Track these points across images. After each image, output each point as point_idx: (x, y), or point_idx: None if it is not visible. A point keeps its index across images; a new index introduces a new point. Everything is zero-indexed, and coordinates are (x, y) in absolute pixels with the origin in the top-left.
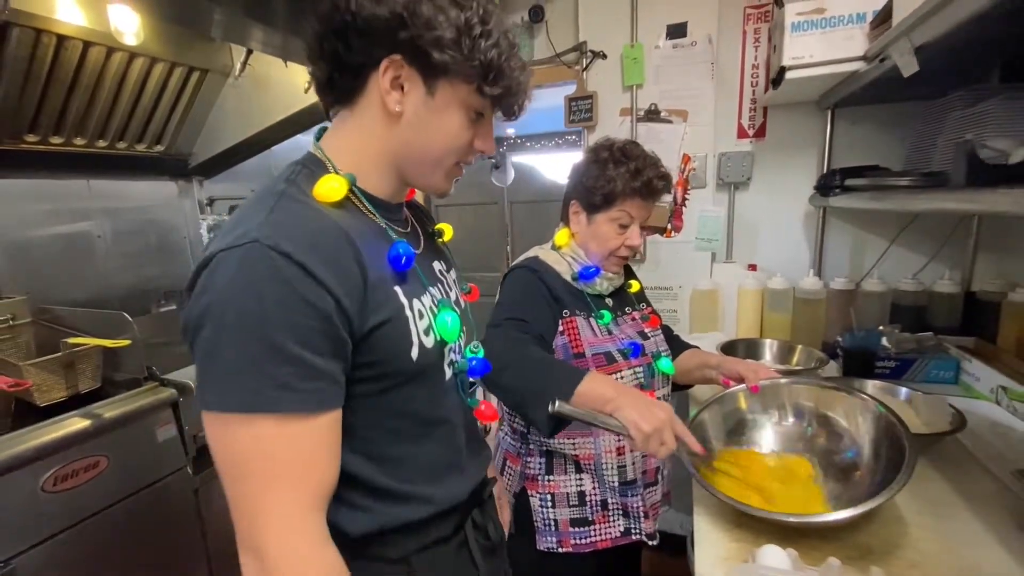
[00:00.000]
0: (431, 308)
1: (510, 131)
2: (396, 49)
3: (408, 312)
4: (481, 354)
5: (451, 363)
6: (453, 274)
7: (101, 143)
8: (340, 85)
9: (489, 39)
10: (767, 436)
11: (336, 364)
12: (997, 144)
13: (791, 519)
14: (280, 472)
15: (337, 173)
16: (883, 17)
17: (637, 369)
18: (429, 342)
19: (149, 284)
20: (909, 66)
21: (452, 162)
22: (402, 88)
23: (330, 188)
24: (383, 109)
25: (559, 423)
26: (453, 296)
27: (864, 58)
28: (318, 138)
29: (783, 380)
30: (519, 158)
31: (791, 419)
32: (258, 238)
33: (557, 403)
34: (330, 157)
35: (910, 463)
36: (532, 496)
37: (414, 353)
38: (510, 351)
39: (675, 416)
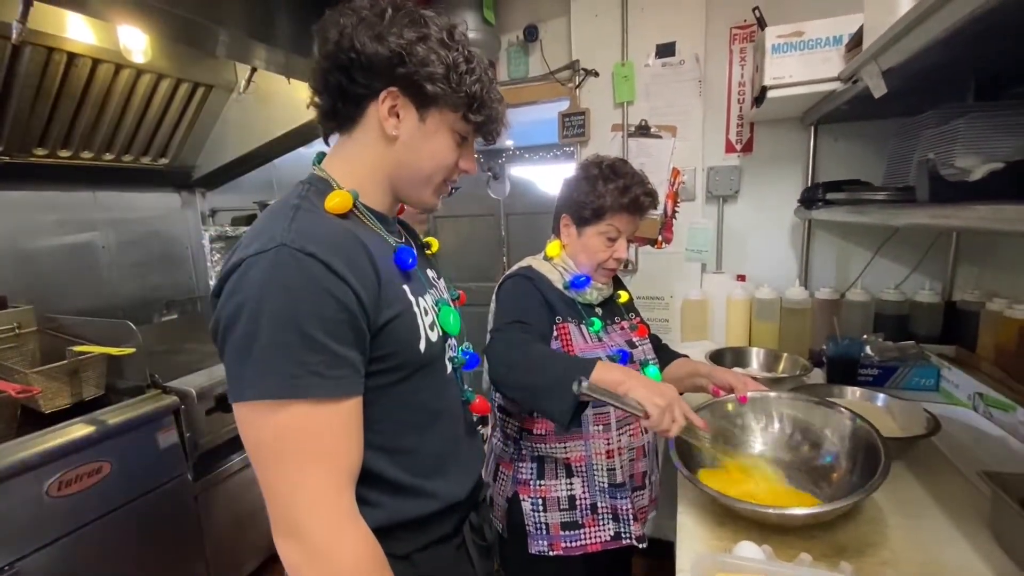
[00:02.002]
0: (433, 307)
1: (509, 142)
2: (394, 82)
3: (415, 308)
4: (471, 349)
5: (450, 358)
6: (443, 282)
7: (108, 156)
8: (342, 114)
9: (473, 75)
10: (755, 440)
11: (357, 354)
12: (964, 162)
13: (770, 511)
14: (314, 454)
15: (342, 189)
16: (856, 41)
17: None
18: (434, 336)
19: (152, 294)
20: (878, 88)
21: (440, 179)
22: (398, 116)
23: (339, 202)
24: (381, 133)
25: (577, 413)
26: (446, 298)
27: (839, 79)
28: (318, 161)
29: (771, 394)
30: (518, 169)
31: (776, 426)
32: (284, 242)
33: (583, 383)
34: (333, 176)
35: (886, 465)
36: (524, 500)
37: (422, 346)
38: (517, 351)
39: (679, 396)
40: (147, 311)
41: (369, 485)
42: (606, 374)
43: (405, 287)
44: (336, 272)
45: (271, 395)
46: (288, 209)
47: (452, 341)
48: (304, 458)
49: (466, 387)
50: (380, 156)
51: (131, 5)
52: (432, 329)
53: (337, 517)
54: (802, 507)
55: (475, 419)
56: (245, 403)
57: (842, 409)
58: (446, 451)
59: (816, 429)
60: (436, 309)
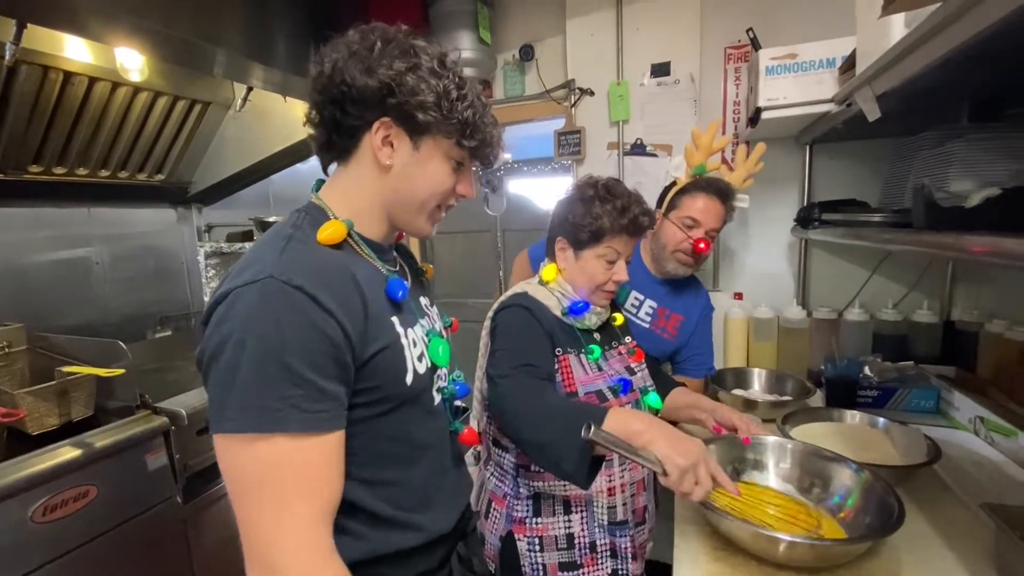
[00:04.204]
0: (423, 338)
1: (507, 155)
2: (386, 112)
3: (403, 340)
4: (461, 379)
5: (439, 389)
6: (435, 309)
7: (103, 173)
8: (338, 145)
9: (465, 101)
10: (769, 476)
11: (341, 388)
12: (959, 186)
13: (795, 539)
14: (293, 488)
15: (337, 219)
16: (849, 64)
17: (626, 405)
18: (421, 368)
19: (147, 310)
20: (872, 112)
21: (434, 205)
22: (391, 145)
23: (333, 232)
24: (375, 163)
25: (594, 469)
26: (437, 328)
27: (833, 101)
28: (316, 189)
29: (779, 440)
30: (515, 184)
31: (789, 462)
32: (273, 274)
33: (592, 429)
34: (329, 206)
35: (901, 511)
36: (519, 540)
37: (408, 378)
38: (528, 402)
39: (707, 452)
40: (141, 327)
41: (351, 516)
42: (623, 423)
43: (394, 319)
44: (323, 305)
45: (251, 428)
46: (280, 240)
47: (442, 371)
48: (282, 493)
49: (456, 418)
50: (375, 185)
51: (128, 28)
52: (420, 361)
53: (314, 554)
54: (819, 538)
55: (462, 449)
56: (225, 435)
57: (851, 465)
58: (432, 483)
59: (827, 472)
60: (426, 340)
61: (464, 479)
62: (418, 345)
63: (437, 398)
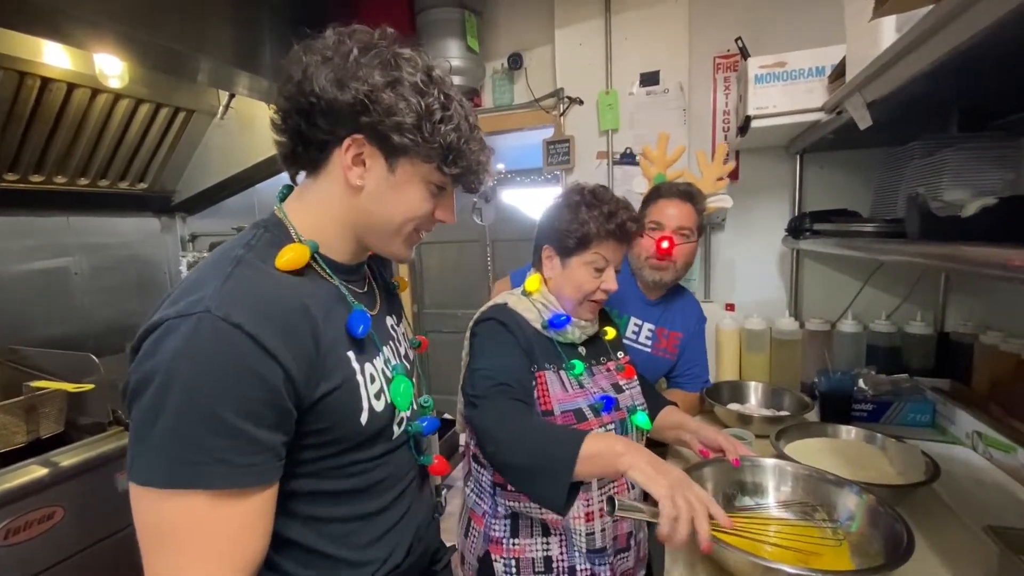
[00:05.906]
0: (383, 372)
1: (501, 165)
2: (358, 130)
3: (359, 377)
4: (430, 410)
5: (401, 421)
6: (402, 327)
7: (83, 181)
8: (304, 157)
9: (449, 124)
10: (767, 500)
11: (278, 436)
12: (951, 195)
13: (797, 571)
14: (206, 548)
15: (300, 241)
16: (839, 72)
17: (608, 425)
18: (379, 406)
19: (127, 320)
20: (863, 120)
21: (411, 230)
22: (364, 164)
23: (293, 258)
24: (345, 181)
25: (570, 499)
26: (403, 350)
27: (823, 110)
28: (282, 199)
29: (775, 462)
30: (505, 193)
31: (790, 484)
32: (209, 308)
33: (616, 502)
34: (293, 222)
35: (910, 541)
36: (496, 561)
37: (363, 418)
38: (506, 425)
39: (688, 478)
40: (123, 338)
41: (298, 556)
42: (609, 444)
43: (350, 353)
44: (263, 345)
45: (163, 483)
46: (227, 263)
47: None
48: (194, 553)
49: (427, 449)
50: (344, 205)
51: (113, 36)
52: (378, 398)
53: None
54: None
55: (428, 476)
56: (137, 486)
57: (848, 484)
58: (389, 515)
59: (824, 494)
60: (388, 375)
61: (426, 504)
62: (376, 381)
63: (398, 431)
